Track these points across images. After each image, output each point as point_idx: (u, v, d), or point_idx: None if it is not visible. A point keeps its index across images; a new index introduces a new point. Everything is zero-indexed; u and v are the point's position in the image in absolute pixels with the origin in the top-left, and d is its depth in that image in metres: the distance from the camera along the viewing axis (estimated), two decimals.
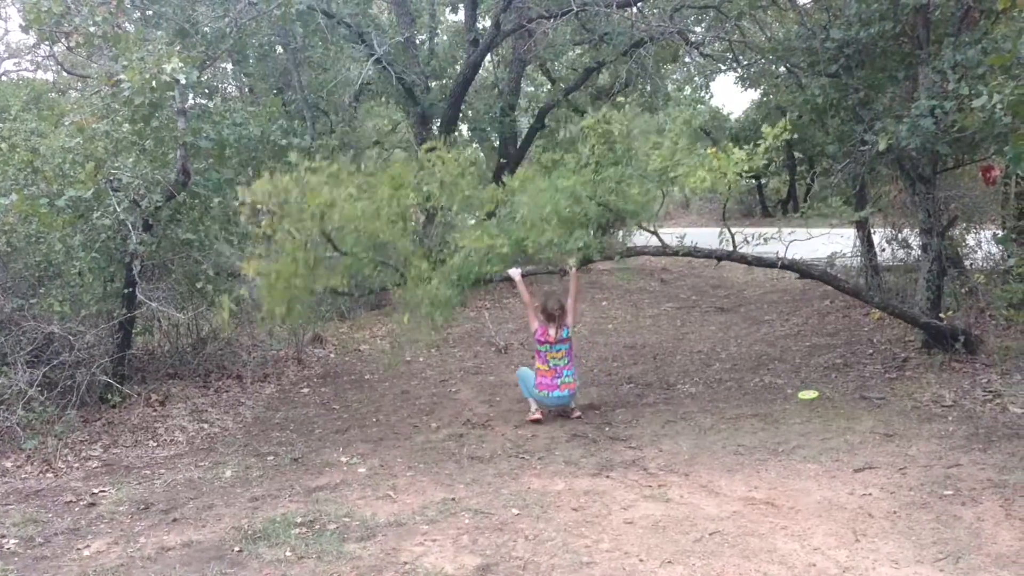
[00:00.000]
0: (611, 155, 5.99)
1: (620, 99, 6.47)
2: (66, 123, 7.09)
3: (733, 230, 6.51)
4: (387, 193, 5.53)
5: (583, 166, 6.00)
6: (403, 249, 5.68)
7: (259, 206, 5.22)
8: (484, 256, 5.77)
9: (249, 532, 4.44)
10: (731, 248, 6.41)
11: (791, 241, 6.43)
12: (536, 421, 6.44)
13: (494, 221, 6.07)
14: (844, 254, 9.66)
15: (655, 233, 6.34)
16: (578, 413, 6.55)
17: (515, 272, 6.45)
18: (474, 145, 15.53)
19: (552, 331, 6.43)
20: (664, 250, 6.37)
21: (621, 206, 5.96)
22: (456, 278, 5.71)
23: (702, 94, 19.00)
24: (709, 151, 5.83)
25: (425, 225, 5.91)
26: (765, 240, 6.47)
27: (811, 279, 6.63)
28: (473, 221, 6.34)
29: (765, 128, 5.81)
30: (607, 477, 5.09)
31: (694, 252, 6.48)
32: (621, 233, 6.38)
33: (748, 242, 6.49)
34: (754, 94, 18.04)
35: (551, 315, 6.46)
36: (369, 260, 5.71)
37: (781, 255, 6.35)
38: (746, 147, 5.77)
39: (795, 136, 6.01)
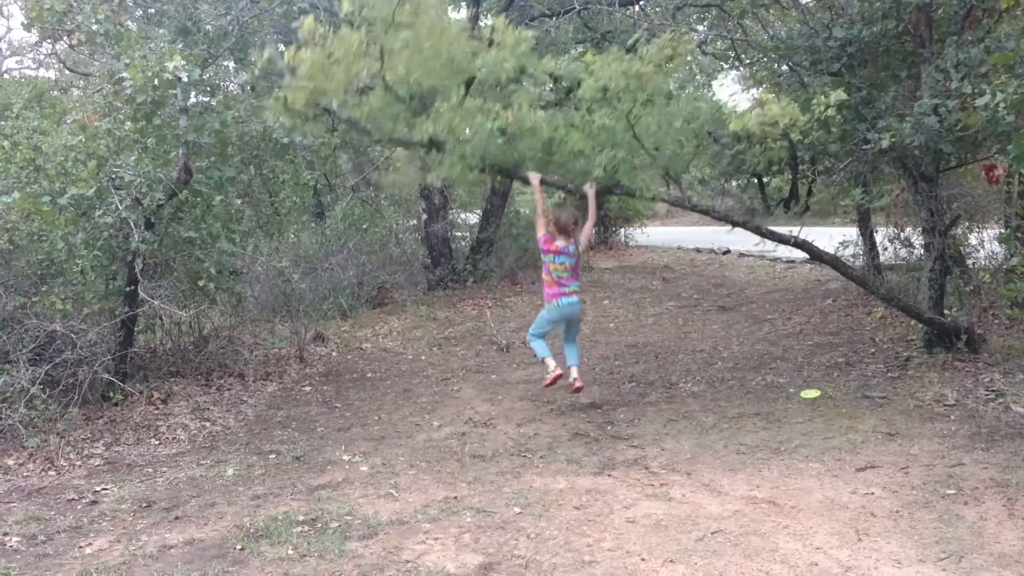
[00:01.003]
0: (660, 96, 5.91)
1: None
2: (68, 121, 7.09)
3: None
4: (447, 45, 5.44)
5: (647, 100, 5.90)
6: (452, 87, 5.53)
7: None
8: (519, 131, 5.68)
9: (251, 530, 4.44)
10: (744, 220, 6.47)
11: (802, 227, 6.46)
12: (554, 381, 6.45)
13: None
14: (849, 241, 9.68)
15: (677, 182, 6.32)
16: (580, 383, 6.58)
17: (534, 176, 6.37)
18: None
19: (558, 242, 6.38)
20: (683, 202, 6.40)
21: (657, 143, 5.91)
22: (483, 148, 5.62)
23: (704, 93, 18.99)
24: (763, 94, 5.81)
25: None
26: (774, 207, 6.51)
27: (821, 262, 6.69)
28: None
29: (819, 98, 5.73)
30: (609, 476, 5.09)
31: (711, 212, 6.56)
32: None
33: (760, 231, 6.52)
34: (756, 93, 18.01)
35: (563, 228, 6.40)
36: (400, 101, 5.62)
37: (794, 234, 6.39)
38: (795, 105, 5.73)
39: (846, 100, 5.93)
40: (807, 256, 6.65)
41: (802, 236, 6.46)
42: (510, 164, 6.23)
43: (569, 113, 5.97)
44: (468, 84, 5.74)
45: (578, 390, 6.63)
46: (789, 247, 6.49)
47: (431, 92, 5.63)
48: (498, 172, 6.34)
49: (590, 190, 6.29)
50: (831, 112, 5.66)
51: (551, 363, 6.51)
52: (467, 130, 5.51)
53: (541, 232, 6.47)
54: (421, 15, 5.31)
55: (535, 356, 6.74)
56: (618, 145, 5.78)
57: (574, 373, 6.63)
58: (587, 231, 6.53)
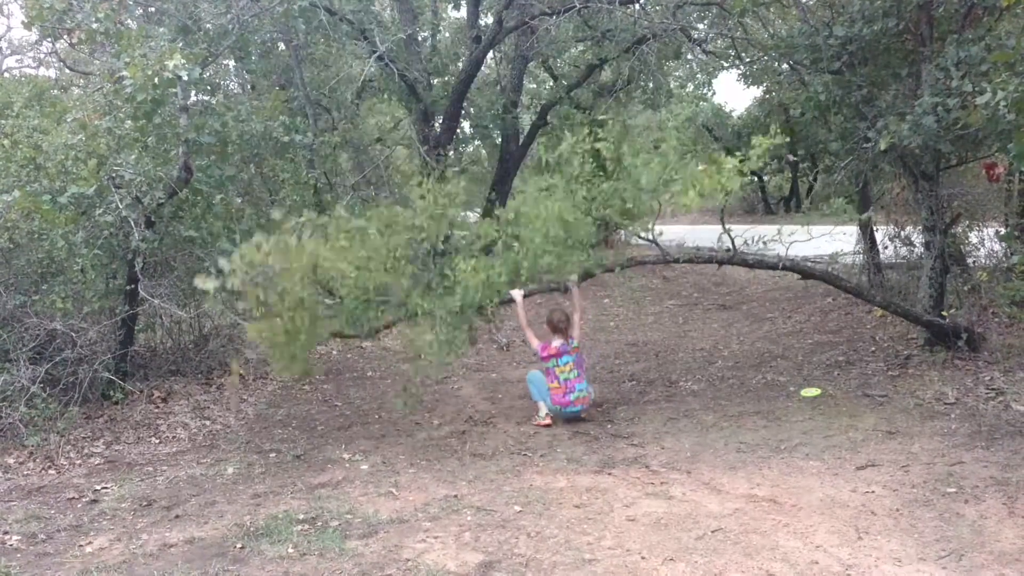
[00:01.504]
0: (602, 174, 5.96)
1: (617, 100, 6.30)
2: (68, 120, 7.08)
3: (735, 229, 6.48)
4: (376, 239, 5.53)
5: (576, 180, 5.94)
6: (401, 289, 5.68)
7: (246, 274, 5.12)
8: (483, 286, 5.74)
9: (251, 529, 4.44)
10: (731, 251, 6.38)
11: (791, 243, 6.39)
12: (546, 426, 6.36)
13: (491, 254, 6.08)
14: (846, 252, 9.65)
15: (654, 242, 6.30)
16: (584, 414, 6.54)
17: (517, 293, 6.31)
18: (476, 142, 15.49)
19: (556, 343, 6.38)
20: (664, 258, 6.36)
21: (617, 219, 5.98)
22: (459, 308, 5.70)
23: (704, 91, 18.97)
24: (700, 168, 5.75)
25: (424, 259, 5.93)
26: (764, 243, 6.43)
27: (813, 279, 6.62)
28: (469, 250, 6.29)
29: (756, 139, 5.69)
30: (609, 474, 5.09)
31: (695, 258, 6.50)
32: (623, 234, 6.34)
33: (748, 244, 6.46)
34: (757, 91, 17.98)
35: (556, 327, 6.41)
36: (369, 303, 5.70)
37: (782, 256, 6.33)
38: (739, 154, 5.70)
39: (788, 140, 5.90)
40: (808, 254, 6.61)
41: (802, 235, 6.43)
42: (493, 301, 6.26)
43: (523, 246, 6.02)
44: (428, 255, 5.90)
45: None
46: (786, 248, 6.45)
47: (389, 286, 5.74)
48: (481, 311, 6.35)
49: (573, 287, 6.36)
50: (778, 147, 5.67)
51: (543, 408, 6.46)
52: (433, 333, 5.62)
53: (535, 344, 6.47)
54: (336, 237, 5.41)
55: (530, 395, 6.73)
56: (578, 246, 5.82)
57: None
58: (578, 323, 6.54)
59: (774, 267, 6.35)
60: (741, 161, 5.62)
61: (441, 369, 6.02)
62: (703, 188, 5.57)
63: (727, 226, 6.25)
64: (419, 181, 5.89)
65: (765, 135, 5.69)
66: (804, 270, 6.52)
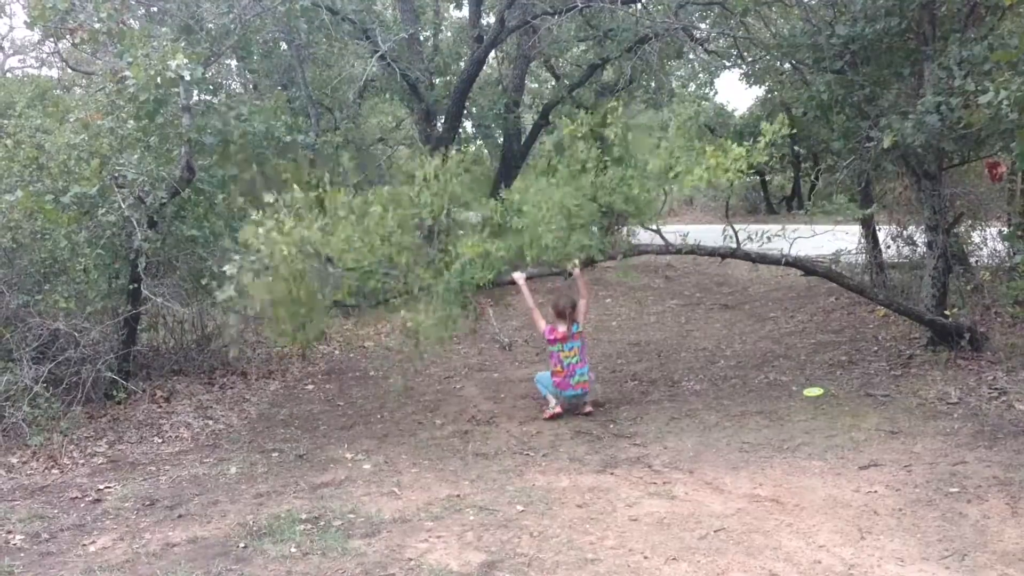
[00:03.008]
0: (607, 158, 5.97)
1: (619, 98, 6.33)
2: (71, 120, 7.09)
3: (737, 227, 6.49)
4: (377, 214, 5.58)
5: (580, 170, 5.95)
6: (402, 262, 5.73)
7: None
8: (483, 263, 5.78)
9: (254, 528, 4.45)
10: (734, 246, 6.39)
11: (795, 239, 6.40)
12: (555, 416, 6.44)
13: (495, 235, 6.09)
14: (849, 251, 9.65)
15: (658, 232, 6.33)
16: (589, 409, 6.57)
17: (519, 276, 6.38)
18: (478, 142, 15.51)
19: (561, 328, 6.42)
20: (667, 249, 6.36)
21: (622, 207, 5.96)
22: (459, 285, 5.74)
23: (706, 91, 18.96)
24: (707, 149, 5.75)
25: (427, 236, 5.99)
26: (769, 238, 6.44)
27: (815, 276, 6.63)
28: (475, 220, 6.33)
29: (764, 125, 5.74)
30: (612, 474, 5.09)
31: (697, 250, 6.48)
32: (625, 230, 6.34)
33: (752, 239, 6.46)
34: (759, 91, 17.98)
35: (562, 312, 6.45)
36: (370, 273, 5.76)
37: (785, 252, 6.33)
38: (746, 143, 5.71)
39: (794, 131, 5.91)
40: (810, 253, 6.61)
41: (806, 232, 6.44)
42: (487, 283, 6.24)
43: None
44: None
45: (588, 414, 6.61)
46: (789, 244, 6.46)
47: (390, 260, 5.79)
48: (481, 289, 6.34)
49: (575, 270, 6.29)
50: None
51: (552, 400, 6.55)
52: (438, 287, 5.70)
53: (542, 325, 6.51)
54: (342, 219, 5.49)
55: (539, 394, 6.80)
56: (584, 226, 5.83)
57: (585, 400, 6.65)
58: (583, 308, 6.55)
59: (776, 262, 6.36)
60: (748, 151, 5.60)
61: (442, 342, 6.06)
62: (711, 169, 5.55)
63: (730, 220, 6.25)
64: (420, 160, 5.92)
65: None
66: (806, 266, 6.51)
